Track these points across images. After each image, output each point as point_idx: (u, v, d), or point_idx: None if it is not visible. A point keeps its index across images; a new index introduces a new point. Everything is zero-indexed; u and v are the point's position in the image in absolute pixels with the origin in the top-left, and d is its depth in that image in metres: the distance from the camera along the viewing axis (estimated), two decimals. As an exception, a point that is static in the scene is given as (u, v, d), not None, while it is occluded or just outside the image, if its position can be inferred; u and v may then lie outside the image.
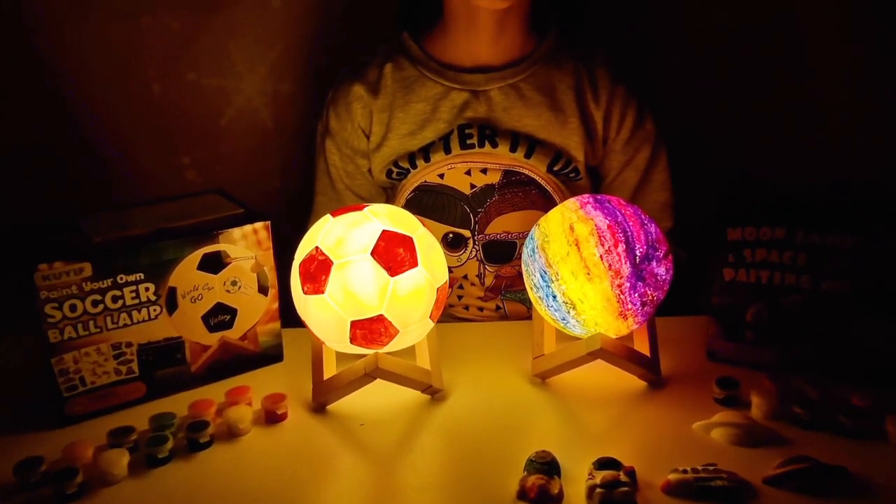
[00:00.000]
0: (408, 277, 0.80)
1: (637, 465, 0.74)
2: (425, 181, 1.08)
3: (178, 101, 1.27)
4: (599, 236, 0.82)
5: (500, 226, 1.08)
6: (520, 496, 0.72)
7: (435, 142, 1.07)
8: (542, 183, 1.06)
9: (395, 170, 1.10)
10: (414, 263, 0.81)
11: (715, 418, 0.81)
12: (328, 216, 0.85)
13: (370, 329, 0.80)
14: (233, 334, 0.92)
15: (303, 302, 0.82)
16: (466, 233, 1.09)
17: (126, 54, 1.23)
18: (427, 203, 1.08)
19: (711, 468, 0.73)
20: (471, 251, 1.10)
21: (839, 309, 0.86)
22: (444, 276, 0.86)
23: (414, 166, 1.08)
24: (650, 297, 0.84)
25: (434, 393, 0.88)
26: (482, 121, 1.06)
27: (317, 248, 0.81)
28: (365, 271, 0.79)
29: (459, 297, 1.13)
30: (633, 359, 0.87)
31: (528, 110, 1.06)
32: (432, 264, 0.83)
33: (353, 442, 0.83)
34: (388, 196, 1.16)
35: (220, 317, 0.90)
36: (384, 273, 0.79)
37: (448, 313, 1.14)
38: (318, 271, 0.80)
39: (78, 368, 0.83)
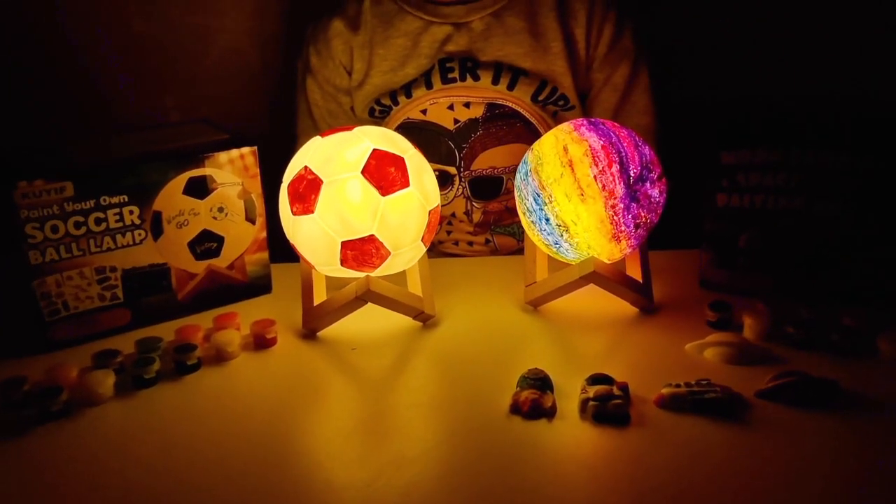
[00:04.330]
0: (399, 197, 0.79)
1: (630, 382, 0.74)
2: (408, 118, 1.06)
3: (160, 40, 1.24)
4: (593, 157, 0.81)
5: (486, 161, 1.07)
6: (513, 410, 0.71)
7: (417, 78, 1.05)
8: (527, 115, 1.05)
9: (377, 108, 1.08)
10: (405, 183, 0.79)
11: (708, 339, 0.81)
12: (317, 137, 0.83)
13: (361, 250, 0.79)
14: (220, 263, 0.90)
15: (292, 224, 0.81)
16: (452, 170, 1.08)
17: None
18: (412, 140, 1.06)
19: (704, 382, 0.72)
20: (457, 188, 1.09)
21: (832, 231, 0.85)
22: (436, 200, 0.84)
23: (396, 103, 1.07)
24: (644, 219, 0.83)
25: (426, 319, 0.87)
26: (463, 53, 1.05)
27: (306, 167, 0.79)
28: (355, 190, 0.77)
29: (448, 233, 1.12)
30: (625, 283, 0.86)
31: (509, 38, 1.04)
32: (424, 186, 0.82)
33: (344, 366, 0.82)
34: None
35: (207, 244, 0.88)
36: (375, 192, 0.78)
37: (438, 250, 1.14)
38: (307, 191, 0.78)
39: (61, 292, 0.81)
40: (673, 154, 1.11)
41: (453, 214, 1.10)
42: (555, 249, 0.86)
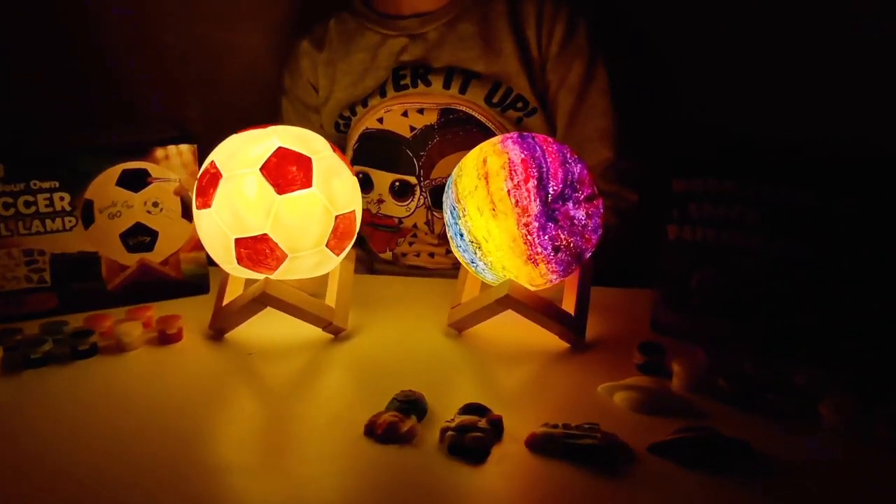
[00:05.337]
0: (298, 197, 0.76)
1: (517, 418, 0.66)
2: (367, 128, 1.06)
3: (187, 53, 1.30)
4: (510, 170, 0.74)
5: (445, 169, 1.03)
6: (367, 432, 0.65)
7: (374, 89, 1.05)
8: (483, 120, 1.01)
9: (340, 122, 1.10)
10: (307, 184, 0.76)
11: (624, 381, 0.71)
12: (233, 134, 0.82)
13: (255, 249, 0.76)
14: (154, 257, 0.90)
15: (197, 219, 0.80)
16: (412, 179, 1.04)
17: (142, 3, 1.27)
18: (372, 150, 1.06)
19: (587, 426, 0.63)
20: (418, 199, 1.05)
21: (792, 277, 0.73)
22: (348, 206, 0.80)
23: (354, 113, 1.08)
24: (564, 242, 0.75)
25: (336, 332, 0.82)
26: (417, 62, 1.04)
27: (212, 162, 0.78)
28: (251, 186, 0.75)
29: (411, 244, 1.09)
30: (549, 314, 0.78)
31: (461, 43, 1.03)
32: (331, 189, 0.78)
33: (240, 370, 0.79)
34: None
35: (140, 237, 0.89)
36: (271, 190, 0.75)
37: (401, 262, 1.10)
38: (208, 185, 0.77)
39: (-13, 270, 0.84)
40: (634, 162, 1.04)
41: (415, 226, 1.07)
42: (473, 268, 0.79)
